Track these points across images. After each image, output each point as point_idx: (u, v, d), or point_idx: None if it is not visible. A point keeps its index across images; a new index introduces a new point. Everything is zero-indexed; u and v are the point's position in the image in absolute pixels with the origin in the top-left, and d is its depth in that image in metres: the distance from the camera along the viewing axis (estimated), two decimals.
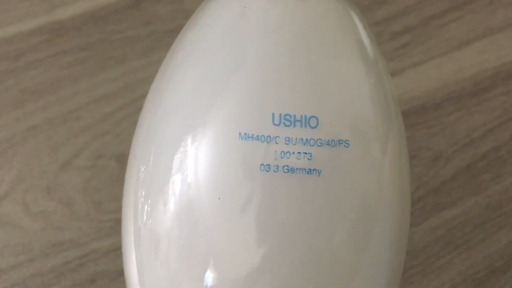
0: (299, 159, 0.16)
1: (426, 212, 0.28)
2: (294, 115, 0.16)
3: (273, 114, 0.16)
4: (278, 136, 0.16)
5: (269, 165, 0.16)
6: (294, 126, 0.16)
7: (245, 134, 0.16)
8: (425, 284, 0.27)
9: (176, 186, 0.16)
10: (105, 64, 0.30)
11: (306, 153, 0.16)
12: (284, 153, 0.16)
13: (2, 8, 0.31)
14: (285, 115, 0.16)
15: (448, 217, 0.28)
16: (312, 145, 0.16)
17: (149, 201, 0.17)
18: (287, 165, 0.16)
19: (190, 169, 0.16)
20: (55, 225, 0.26)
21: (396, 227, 0.17)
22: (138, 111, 0.20)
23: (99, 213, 0.27)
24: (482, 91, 0.31)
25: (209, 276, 0.16)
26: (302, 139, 0.16)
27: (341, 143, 0.16)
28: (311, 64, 0.17)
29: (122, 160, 0.28)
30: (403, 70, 0.31)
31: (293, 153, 0.16)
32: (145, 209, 0.17)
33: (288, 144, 0.16)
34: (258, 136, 0.16)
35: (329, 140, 0.16)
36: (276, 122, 0.16)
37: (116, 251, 0.26)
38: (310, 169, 0.16)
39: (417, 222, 0.28)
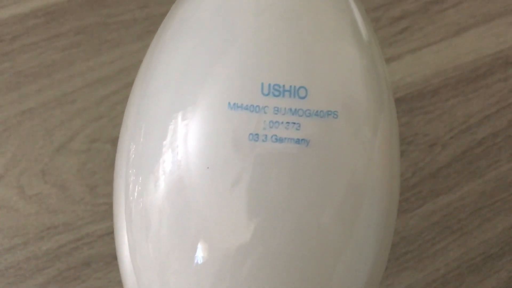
0: (287, 129, 0.16)
1: (422, 198, 0.28)
2: (283, 85, 0.16)
3: (262, 84, 0.16)
4: (267, 106, 0.16)
5: (257, 134, 0.16)
6: (283, 96, 0.16)
7: (234, 104, 0.16)
8: (420, 269, 0.27)
9: (166, 163, 0.16)
10: (100, 47, 0.30)
11: (294, 123, 0.16)
12: (273, 123, 0.16)
13: None
14: (274, 85, 0.16)
15: (444, 203, 0.28)
16: (301, 115, 0.16)
17: (140, 179, 0.17)
18: (275, 135, 0.16)
19: (180, 146, 0.16)
20: (49, 208, 0.26)
21: (384, 206, 0.17)
22: None
23: (93, 197, 0.27)
24: (479, 77, 0.31)
25: (200, 252, 0.16)
26: (291, 109, 0.16)
27: (329, 114, 0.16)
28: (302, 37, 0.17)
29: (117, 143, 0.28)
30: (401, 56, 0.31)
31: (282, 123, 0.16)
32: (136, 188, 0.17)
33: (277, 114, 0.16)
34: (247, 106, 0.16)
35: (317, 110, 0.16)
36: (265, 92, 0.16)
37: (111, 235, 0.26)
38: (298, 139, 0.16)
39: (413, 208, 0.28)
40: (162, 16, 0.31)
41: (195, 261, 0.16)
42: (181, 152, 0.16)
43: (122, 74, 0.29)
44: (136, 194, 0.17)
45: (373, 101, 0.17)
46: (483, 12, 0.32)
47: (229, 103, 0.16)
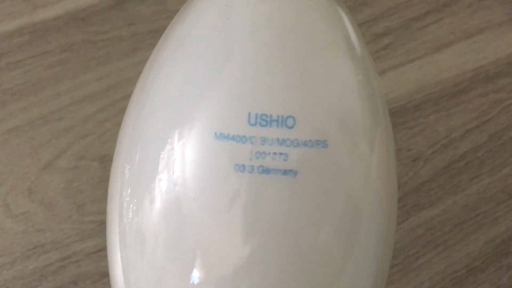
0: (274, 159, 0.15)
1: (406, 212, 0.28)
2: (271, 115, 0.16)
3: (249, 113, 0.16)
4: (253, 136, 0.15)
5: (244, 165, 0.15)
6: (270, 126, 0.15)
7: (220, 134, 0.15)
8: (405, 283, 0.27)
9: (162, 184, 0.16)
10: (87, 65, 0.30)
11: (282, 154, 0.15)
12: (260, 154, 0.15)
13: None
14: (261, 114, 0.16)
15: (427, 217, 0.28)
16: (288, 146, 0.16)
17: (135, 199, 0.17)
18: (262, 166, 0.15)
19: (176, 167, 0.16)
20: (36, 227, 0.26)
21: (384, 223, 0.17)
22: (121, 112, 0.19)
23: (81, 215, 0.27)
24: (460, 92, 0.31)
25: (196, 274, 0.16)
26: (278, 139, 0.15)
27: (318, 144, 0.16)
28: (294, 63, 0.16)
29: (104, 161, 0.28)
30: (384, 72, 0.31)
31: (269, 153, 0.15)
32: (131, 208, 0.17)
33: (263, 144, 0.15)
34: (233, 136, 0.15)
35: (306, 140, 0.16)
36: (252, 122, 0.15)
37: (98, 253, 0.26)
38: (285, 169, 0.15)
39: (397, 222, 0.28)
40: (148, 33, 0.31)
41: (191, 281, 0.16)
42: (176, 174, 0.16)
43: (110, 92, 0.30)
44: (130, 213, 0.17)
45: (369, 116, 0.17)
46: (463, 28, 0.33)
47: (215, 133, 0.16)
